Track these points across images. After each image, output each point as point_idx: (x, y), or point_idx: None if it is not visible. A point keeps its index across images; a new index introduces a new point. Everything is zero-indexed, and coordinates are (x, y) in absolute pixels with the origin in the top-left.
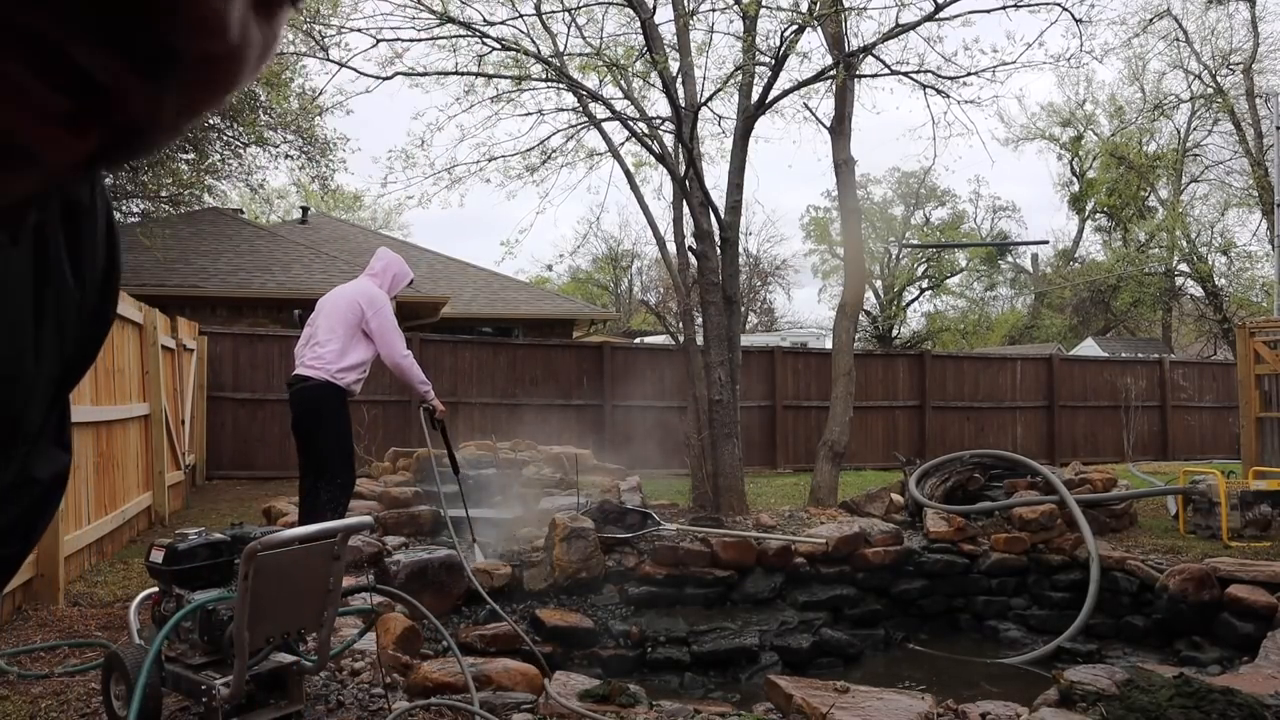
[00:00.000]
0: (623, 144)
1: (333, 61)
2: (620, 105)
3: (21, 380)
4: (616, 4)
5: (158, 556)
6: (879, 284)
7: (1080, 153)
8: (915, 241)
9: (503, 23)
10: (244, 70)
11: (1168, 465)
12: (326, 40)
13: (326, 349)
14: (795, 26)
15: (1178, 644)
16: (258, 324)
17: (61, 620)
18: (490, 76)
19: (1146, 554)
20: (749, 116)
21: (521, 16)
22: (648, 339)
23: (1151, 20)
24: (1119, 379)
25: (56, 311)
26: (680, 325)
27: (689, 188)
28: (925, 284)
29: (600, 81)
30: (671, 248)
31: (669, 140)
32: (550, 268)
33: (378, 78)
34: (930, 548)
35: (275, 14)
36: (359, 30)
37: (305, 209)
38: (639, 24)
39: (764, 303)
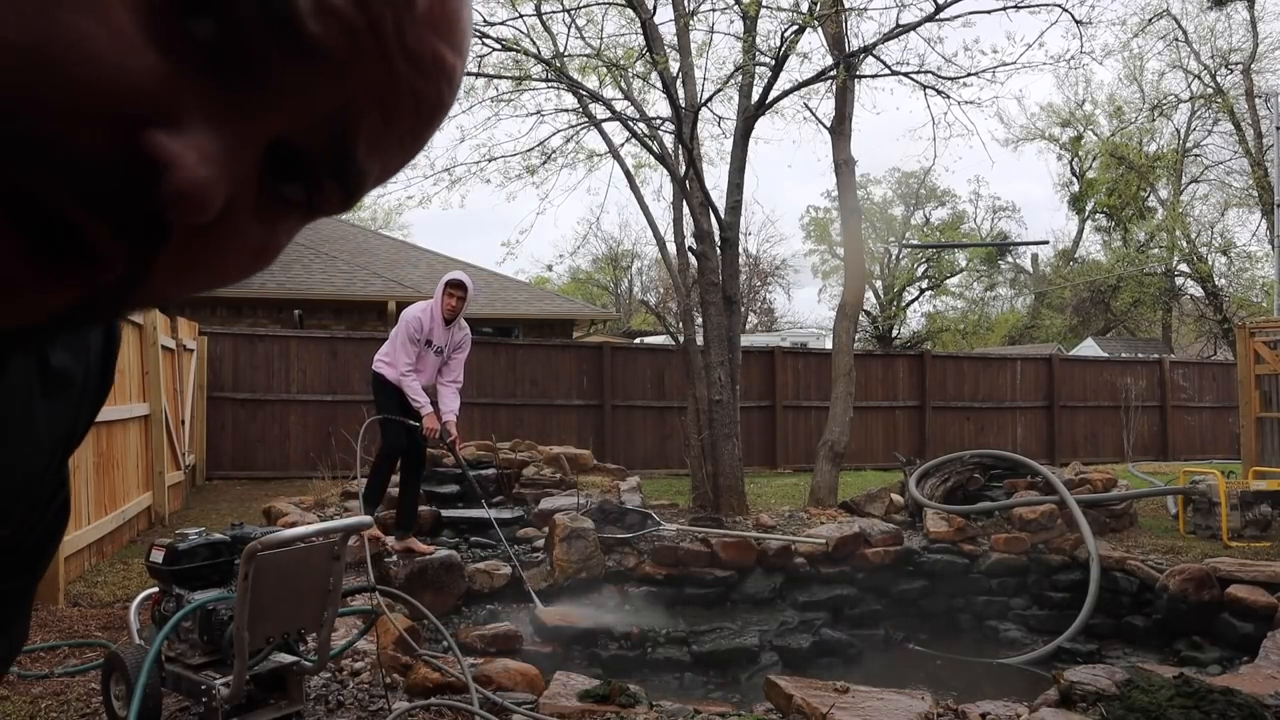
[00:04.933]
0: (623, 145)
1: None
2: (620, 106)
3: (27, 472)
4: (617, 4)
5: (158, 556)
6: (879, 284)
7: (1080, 153)
8: (915, 241)
9: (503, 23)
10: (231, 259)
11: (1168, 465)
12: None
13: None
14: (795, 27)
15: (1178, 644)
16: (258, 324)
17: (61, 620)
18: (490, 77)
19: (1146, 554)
20: (749, 117)
21: (521, 17)
22: (648, 339)
23: (1150, 20)
24: (1119, 379)
25: (61, 399)
26: (680, 325)
27: (689, 188)
28: (925, 284)
29: (600, 82)
30: (671, 248)
31: (669, 141)
32: (550, 268)
33: None
34: (930, 548)
35: (275, 219)
36: None
37: None
38: (639, 24)
39: (764, 303)
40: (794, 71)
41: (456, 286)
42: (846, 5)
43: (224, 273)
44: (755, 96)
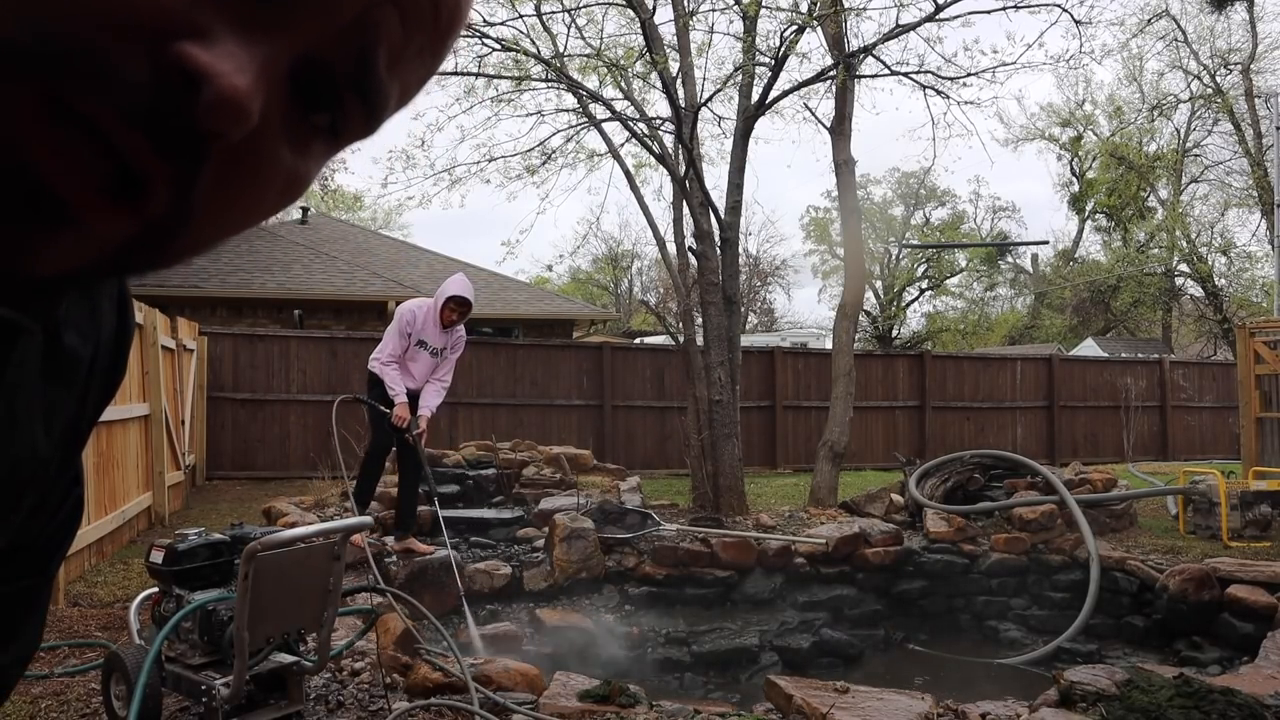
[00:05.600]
0: (623, 145)
1: None
2: (620, 106)
3: (32, 458)
4: (617, 4)
5: (158, 557)
6: (879, 284)
7: (1080, 153)
8: (915, 241)
9: (503, 23)
10: (267, 188)
11: (1168, 465)
12: None
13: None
14: (795, 27)
15: (1178, 644)
16: (258, 324)
17: (61, 620)
18: (491, 77)
19: (1146, 554)
20: (749, 117)
21: (521, 17)
22: (648, 339)
23: (1150, 21)
24: (1119, 379)
25: (69, 382)
26: (680, 325)
27: (689, 188)
28: (925, 284)
29: (600, 82)
30: (671, 248)
31: (669, 141)
32: (550, 268)
33: None
34: (930, 548)
35: (305, 144)
36: None
37: (305, 209)
38: (639, 24)
39: (764, 303)
40: (794, 71)
41: (459, 303)
42: (846, 5)
43: (261, 203)
44: (755, 96)
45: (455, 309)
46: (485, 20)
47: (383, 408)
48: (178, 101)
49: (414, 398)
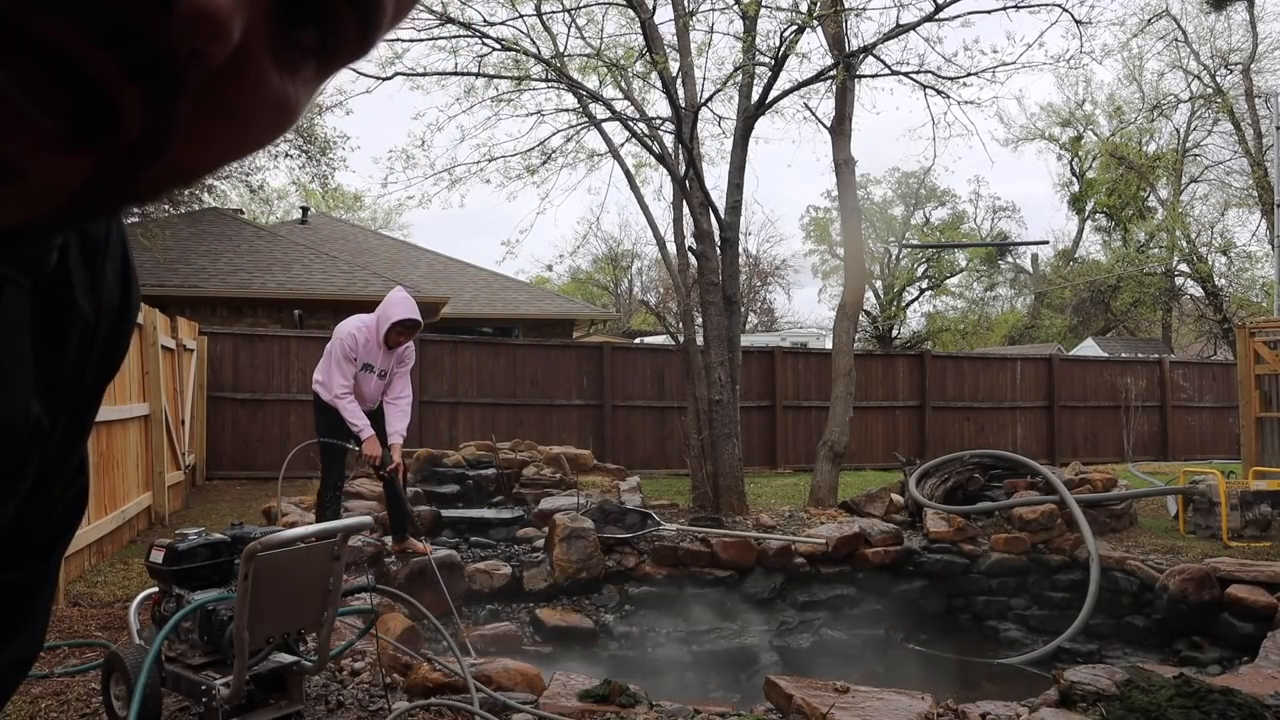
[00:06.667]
0: (623, 144)
1: None
2: (620, 106)
3: (25, 419)
4: (617, 4)
5: (158, 556)
6: (879, 284)
7: (1080, 153)
8: (915, 241)
9: (503, 23)
10: (254, 116)
11: (1168, 465)
12: None
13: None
14: (795, 27)
15: (1178, 644)
16: (258, 324)
17: (61, 620)
18: (490, 77)
19: (1146, 554)
20: (749, 117)
21: (522, 17)
22: (648, 339)
23: (1150, 21)
24: (1119, 379)
25: (69, 350)
26: (680, 325)
27: (689, 188)
28: (925, 284)
29: (600, 82)
30: (671, 248)
31: (669, 140)
32: (550, 268)
33: (378, 78)
34: (930, 548)
35: (293, 68)
36: None
37: (305, 209)
38: (639, 24)
39: (764, 303)
40: (794, 71)
41: (410, 326)
42: (846, 5)
43: (249, 132)
44: (755, 96)
45: (403, 333)
46: (485, 20)
47: (350, 445)
48: (150, 17)
49: (370, 418)
